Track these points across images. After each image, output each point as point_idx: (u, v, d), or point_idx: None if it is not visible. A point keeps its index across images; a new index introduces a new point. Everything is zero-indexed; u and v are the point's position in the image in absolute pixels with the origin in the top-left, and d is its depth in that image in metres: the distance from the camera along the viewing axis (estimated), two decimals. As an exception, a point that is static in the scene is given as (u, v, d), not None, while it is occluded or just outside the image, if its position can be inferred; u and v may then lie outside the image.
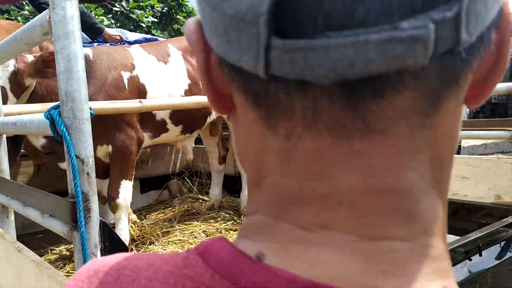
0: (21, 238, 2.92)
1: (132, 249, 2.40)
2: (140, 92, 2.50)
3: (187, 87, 2.74)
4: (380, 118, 0.22)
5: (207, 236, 2.59)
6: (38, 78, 2.03)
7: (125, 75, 2.45)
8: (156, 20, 11.26)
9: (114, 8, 10.20)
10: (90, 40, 3.29)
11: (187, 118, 2.77)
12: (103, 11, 9.48)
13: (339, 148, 0.23)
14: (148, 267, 0.27)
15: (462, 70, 0.22)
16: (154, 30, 11.47)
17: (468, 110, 9.20)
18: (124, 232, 2.43)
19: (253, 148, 0.26)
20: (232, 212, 3.15)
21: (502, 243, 1.94)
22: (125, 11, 10.45)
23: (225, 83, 0.26)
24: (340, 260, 0.23)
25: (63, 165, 2.39)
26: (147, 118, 2.57)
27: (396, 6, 0.19)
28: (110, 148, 2.39)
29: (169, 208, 3.37)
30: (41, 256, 2.45)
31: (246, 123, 0.26)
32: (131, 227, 2.61)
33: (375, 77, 0.20)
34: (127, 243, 2.42)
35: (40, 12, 3.85)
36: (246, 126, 0.26)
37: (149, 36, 3.88)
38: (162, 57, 2.70)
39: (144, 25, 10.65)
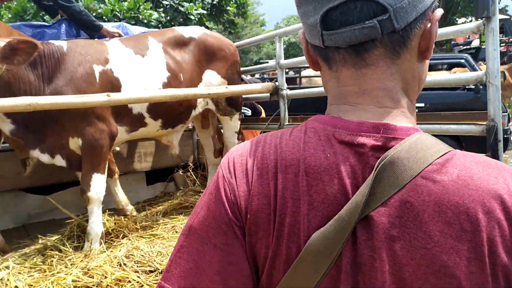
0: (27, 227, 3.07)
1: (101, 242, 2.42)
2: (113, 86, 2.49)
3: (166, 80, 2.69)
4: (370, 59, 0.61)
5: (176, 232, 2.53)
6: (4, 64, 2.07)
7: (97, 69, 2.45)
8: (205, 12, 11.36)
9: (163, 2, 10.44)
10: (89, 37, 3.33)
11: (167, 112, 2.72)
12: (151, 5, 9.74)
13: (358, 72, 0.62)
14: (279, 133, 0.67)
15: (405, 39, 0.60)
16: (207, 22, 11.60)
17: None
18: (96, 225, 2.45)
19: (325, 80, 0.68)
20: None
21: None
22: (174, 4, 10.65)
23: (313, 54, 0.67)
24: (368, 116, 0.61)
25: (45, 159, 2.44)
26: (123, 112, 2.56)
27: (363, 16, 0.58)
28: (80, 141, 2.41)
29: (169, 201, 3.37)
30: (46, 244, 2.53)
31: (323, 71, 0.67)
32: (107, 220, 2.63)
33: (363, 42, 0.59)
34: (99, 237, 2.44)
35: (44, 10, 3.94)
36: (323, 72, 0.67)
37: (152, 30, 3.87)
38: (140, 50, 2.67)
39: (193, 18, 10.81)
